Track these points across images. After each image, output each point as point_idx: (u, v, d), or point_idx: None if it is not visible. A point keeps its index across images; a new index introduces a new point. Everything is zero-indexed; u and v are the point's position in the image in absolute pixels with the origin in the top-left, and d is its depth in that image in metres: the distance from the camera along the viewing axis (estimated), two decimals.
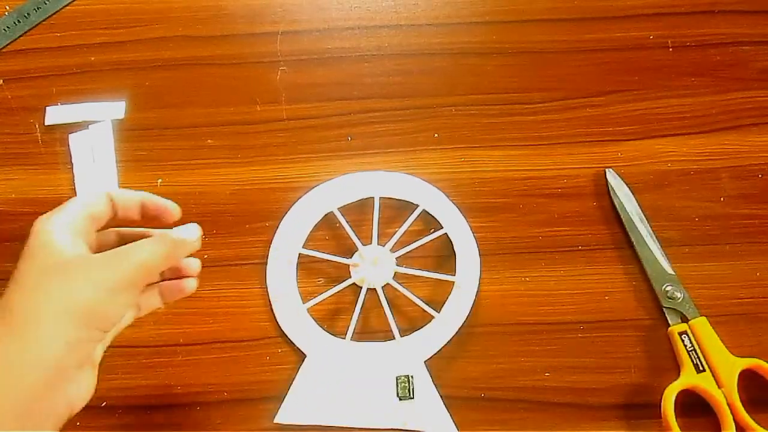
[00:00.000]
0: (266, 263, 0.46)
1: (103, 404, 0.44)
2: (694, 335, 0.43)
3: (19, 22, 0.53)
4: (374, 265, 0.45)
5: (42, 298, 0.29)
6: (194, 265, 0.37)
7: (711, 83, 0.51)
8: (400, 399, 0.42)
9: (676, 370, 0.43)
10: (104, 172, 0.48)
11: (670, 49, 0.52)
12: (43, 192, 0.48)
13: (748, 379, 0.42)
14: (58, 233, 0.31)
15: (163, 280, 0.36)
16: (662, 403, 0.41)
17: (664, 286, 0.44)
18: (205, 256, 0.46)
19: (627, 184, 0.47)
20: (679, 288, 0.44)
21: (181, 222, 0.47)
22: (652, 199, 0.47)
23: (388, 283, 0.45)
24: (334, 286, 0.45)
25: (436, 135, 0.49)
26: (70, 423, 0.43)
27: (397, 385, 0.43)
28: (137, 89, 0.51)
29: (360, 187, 0.48)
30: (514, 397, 0.43)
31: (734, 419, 0.40)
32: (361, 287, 0.45)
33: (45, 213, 0.32)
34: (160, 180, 0.48)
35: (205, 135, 0.50)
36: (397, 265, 0.46)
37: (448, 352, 0.44)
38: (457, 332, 0.44)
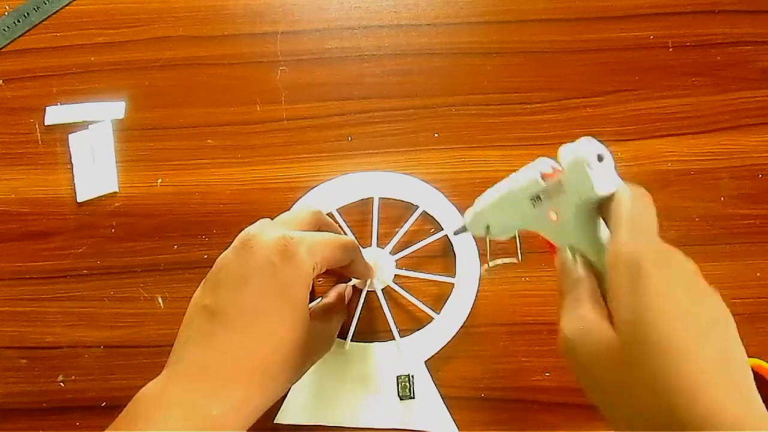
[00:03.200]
0: None
1: (103, 404, 0.44)
2: None
3: (19, 22, 0.53)
4: (374, 268, 0.45)
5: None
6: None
7: (711, 83, 0.51)
8: (401, 398, 0.42)
9: None
10: (104, 172, 0.48)
11: (670, 49, 0.52)
12: (43, 192, 0.48)
13: None
14: (307, 280, 0.34)
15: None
16: None
17: None
18: (205, 256, 0.46)
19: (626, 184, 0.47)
20: None
21: (180, 221, 0.48)
22: (652, 199, 0.47)
23: (388, 285, 0.45)
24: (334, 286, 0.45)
25: (436, 135, 0.49)
26: (70, 423, 0.43)
27: (398, 385, 0.43)
28: (137, 89, 0.51)
29: (360, 187, 0.48)
30: (514, 397, 0.43)
31: None
32: (361, 289, 0.45)
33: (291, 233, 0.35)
34: (160, 180, 0.48)
35: (205, 135, 0.50)
36: (397, 267, 0.46)
37: (449, 352, 0.44)
38: (457, 332, 0.44)
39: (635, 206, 0.29)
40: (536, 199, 0.32)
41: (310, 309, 0.35)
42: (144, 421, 0.29)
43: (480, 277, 0.45)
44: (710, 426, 0.24)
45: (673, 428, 0.25)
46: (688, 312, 0.26)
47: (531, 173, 0.33)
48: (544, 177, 0.32)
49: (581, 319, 0.28)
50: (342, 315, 0.41)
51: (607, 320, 0.28)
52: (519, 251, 0.36)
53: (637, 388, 0.26)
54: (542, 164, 0.32)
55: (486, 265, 0.39)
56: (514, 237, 0.36)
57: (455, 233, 0.42)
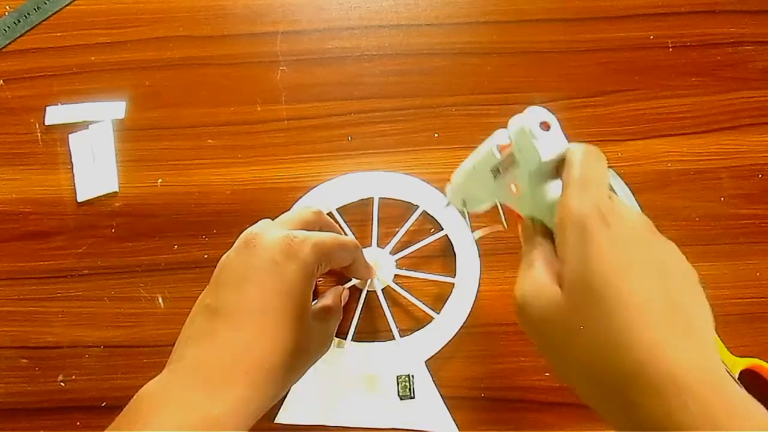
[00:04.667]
0: None
1: (103, 404, 0.44)
2: None
3: (19, 22, 0.53)
4: (374, 268, 0.45)
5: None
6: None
7: (711, 83, 0.51)
8: (401, 398, 0.42)
9: None
10: (104, 172, 0.48)
11: (670, 49, 0.52)
12: (43, 192, 0.48)
13: (748, 379, 0.42)
14: (310, 279, 0.34)
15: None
16: None
17: None
18: (205, 256, 0.46)
19: (627, 184, 0.47)
20: None
21: (180, 221, 0.48)
22: (652, 199, 0.47)
23: (388, 285, 0.45)
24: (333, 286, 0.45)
25: (436, 135, 0.49)
26: (71, 423, 0.43)
27: (398, 385, 0.43)
28: (137, 89, 0.51)
29: (360, 187, 0.48)
30: (514, 397, 0.43)
31: None
32: (361, 289, 0.45)
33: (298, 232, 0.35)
34: (160, 180, 0.48)
35: (205, 135, 0.50)
36: (398, 267, 0.46)
37: (449, 352, 0.44)
38: (457, 332, 0.44)
39: (583, 165, 0.29)
40: (496, 171, 0.33)
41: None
42: (144, 421, 0.29)
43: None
44: (647, 371, 0.24)
45: (612, 376, 0.25)
46: (631, 263, 0.26)
47: (488, 146, 0.33)
48: (501, 149, 0.33)
49: (533, 280, 0.29)
50: (338, 316, 0.41)
51: (557, 281, 0.28)
52: (503, 219, 0.37)
53: (580, 341, 0.26)
54: (498, 137, 0.33)
55: (474, 234, 0.42)
56: (497, 207, 0.37)
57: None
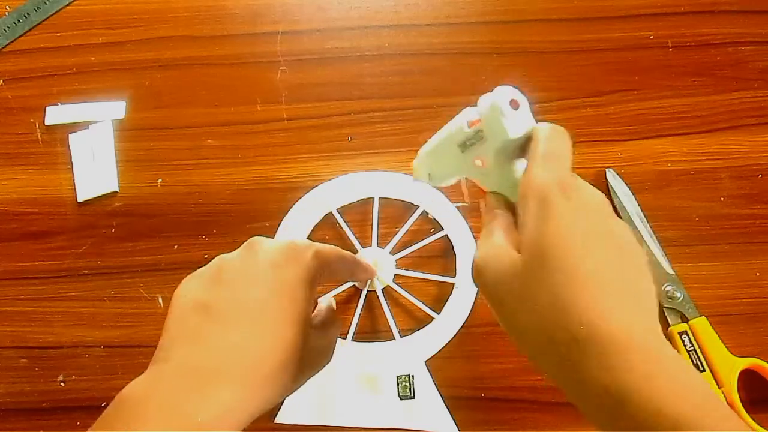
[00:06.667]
0: None
1: (103, 404, 0.43)
2: (694, 335, 0.43)
3: (19, 22, 0.53)
4: (374, 268, 0.45)
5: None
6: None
7: (711, 83, 0.51)
8: (401, 398, 0.42)
9: None
10: (104, 172, 0.48)
11: (670, 49, 0.52)
12: (43, 192, 0.48)
13: (748, 379, 0.42)
14: (311, 284, 0.33)
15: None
16: None
17: (664, 286, 0.44)
18: (205, 256, 0.46)
19: (627, 184, 0.47)
20: (679, 288, 0.44)
21: (180, 221, 0.48)
22: (652, 199, 0.47)
23: (388, 285, 0.45)
24: (335, 288, 0.45)
25: None
26: (71, 423, 0.43)
27: (398, 385, 0.43)
28: (137, 89, 0.51)
29: (360, 187, 0.48)
30: (514, 397, 0.43)
31: None
32: (361, 289, 0.45)
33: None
34: (160, 180, 0.48)
35: (205, 135, 0.50)
36: (397, 267, 0.46)
37: (449, 352, 0.44)
38: (457, 332, 0.44)
39: (548, 141, 0.30)
40: (464, 146, 0.33)
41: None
42: (124, 424, 0.28)
43: None
44: (590, 333, 0.25)
45: (558, 336, 0.26)
46: (587, 234, 0.27)
47: (459, 121, 0.34)
48: (470, 125, 0.33)
49: (492, 245, 0.30)
50: (338, 325, 0.40)
51: (515, 247, 0.29)
52: (466, 195, 0.38)
53: (531, 304, 0.27)
54: (469, 113, 0.33)
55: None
56: (461, 183, 0.38)
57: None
